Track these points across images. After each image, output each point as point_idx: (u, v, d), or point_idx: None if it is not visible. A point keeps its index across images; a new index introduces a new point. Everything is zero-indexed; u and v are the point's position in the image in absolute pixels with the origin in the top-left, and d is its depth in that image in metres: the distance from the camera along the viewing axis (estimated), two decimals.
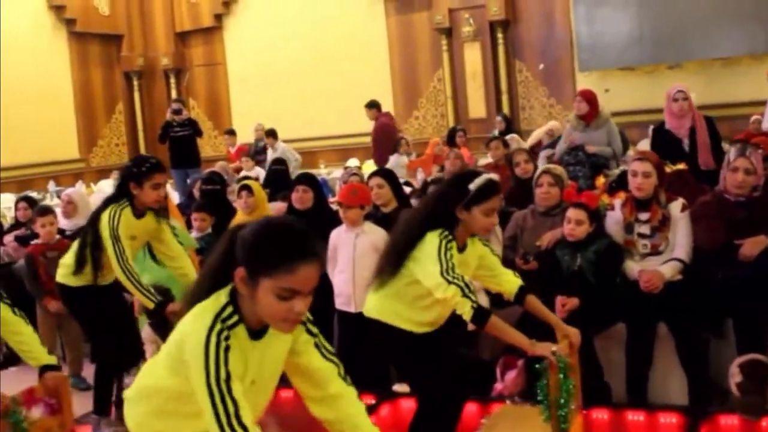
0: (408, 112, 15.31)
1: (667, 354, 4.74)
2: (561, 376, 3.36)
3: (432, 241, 3.48)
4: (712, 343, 4.94)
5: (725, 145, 6.07)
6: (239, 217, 6.30)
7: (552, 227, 5.21)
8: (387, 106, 15.16)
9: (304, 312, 2.27)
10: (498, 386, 4.81)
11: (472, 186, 3.51)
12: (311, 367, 2.49)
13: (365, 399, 5.04)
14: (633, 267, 4.91)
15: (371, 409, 5.00)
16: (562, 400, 3.36)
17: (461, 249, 3.60)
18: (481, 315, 3.42)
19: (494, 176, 3.62)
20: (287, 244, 2.24)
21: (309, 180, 6.16)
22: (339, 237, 5.38)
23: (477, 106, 14.17)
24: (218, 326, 2.25)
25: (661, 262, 4.89)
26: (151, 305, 4.59)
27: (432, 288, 3.46)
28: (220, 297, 2.33)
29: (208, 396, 2.18)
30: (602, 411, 4.60)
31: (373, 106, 12.51)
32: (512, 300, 3.77)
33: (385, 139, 11.98)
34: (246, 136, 14.59)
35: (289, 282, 2.21)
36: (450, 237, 3.50)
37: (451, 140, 11.99)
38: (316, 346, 2.50)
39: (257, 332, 2.35)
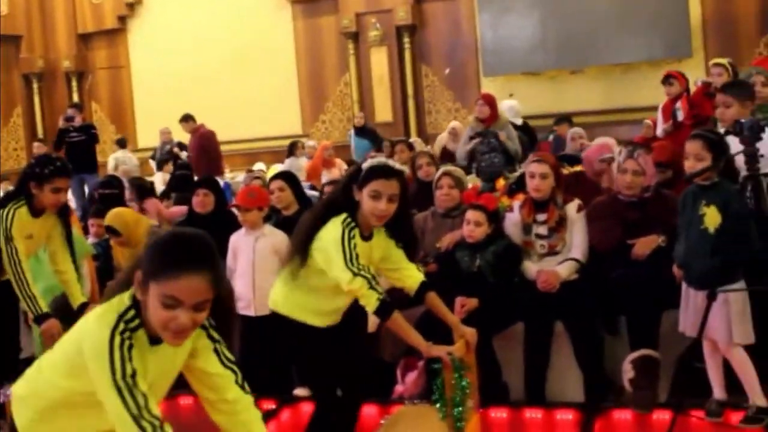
0: (314, 116, 15.29)
1: (563, 352, 4.81)
2: (456, 375, 3.36)
3: (335, 227, 3.42)
4: (608, 340, 5.04)
5: (617, 148, 6.16)
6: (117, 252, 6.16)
7: (452, 229, 5.24)
8: (293, 109, 15.22)
9: (186, 326, 2.24)
10: (398, 388, 4.82)
11: (365, 165, 3.49)
12: (208, 371, 2.46)
13: (266, 403, 5.06)
14: (531, 267, 4.98)
15: (272, 414, 4.97)
16: (458, 399, 3.36)
17: (367, 237, 3.54)
18: (385, 309, 3.39)
19: (394, 163, 3.60)
20: (177, 251, 2.25)
21: (210, 184, 6.08)
22: (239, 241, 5.33)
23: (383, 110, 14.24)
24: (121, 326, 2.24)
25: (558, 262, 4.97)
26: (31, 315, 4.50)
27: (337, 279, 3.40)
28: (123, 299, 2.33)
29: (116, 393, 2.17)
30: (501, 410, 4.65)
31: (188, 119, 12.58)
32: (412, 296, 3.74)
33: (204, 151, 11.96)
34: (152, 140, 14.39)
35: (172, 289, 2.21)
36: (353, 224, 3.44)
37: None
38: (215, 351, 2.46)
39: (157, 338, 2.33)
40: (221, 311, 2.42)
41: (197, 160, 11.86)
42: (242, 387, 2.49)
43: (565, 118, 11.63)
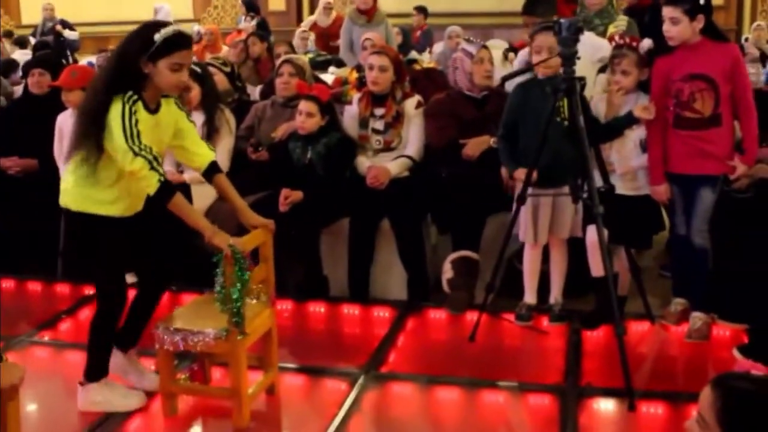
0: (206, 0, 14.76)
1: (389, 250, 4.74)
2: (236, 268, 3.22)
3: (116, 106, 3.18)
4: (438, 240, 5.01)
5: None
6: None
7: (291, 119, 5.07)
8: None
9: None
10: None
11: (158, 36, 3.19)
12: None
13: (87, 289, 4.92)
14: (364, 162, 4.88)
15: (90, 299, 4.83)
16: (236, 293, 3.23)
17: (154, 110, 3.31)
18: (165, 191, 3.20)
19: (184, 29, 3.34)
20: None
21: (45, 63, 5.72)
22: (65, 122, 5.06)
23: None
24: None
25: (392, 158, 4.88)
26: None
27: (120, 161, 3.19)
28: None
29: None
30: (319, 304, 4.60)
31: None
32: (201, 175, 3.55)
33: None
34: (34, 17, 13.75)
35: None
36: (134, 97, 3.21)
37: None
38: None
39: None
40: None
41: None
42: None
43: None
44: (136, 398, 3.56)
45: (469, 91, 4.84)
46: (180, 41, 3.25)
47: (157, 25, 3.27)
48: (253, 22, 11.13)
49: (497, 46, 8.70)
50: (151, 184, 3.19)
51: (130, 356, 3.65)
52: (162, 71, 3.23)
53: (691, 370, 3.94)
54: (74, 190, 3.42)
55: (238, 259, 3.21)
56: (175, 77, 3.26)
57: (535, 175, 3.98)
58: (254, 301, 3.42)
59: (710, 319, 4.09)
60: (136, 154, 3.15)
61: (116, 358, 3.59)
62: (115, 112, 3.18)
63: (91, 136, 3.26)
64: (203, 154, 3.51)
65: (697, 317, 4.08)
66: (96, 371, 3.51)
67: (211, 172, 3.50)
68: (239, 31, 10.68)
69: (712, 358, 3.96)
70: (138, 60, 3.22)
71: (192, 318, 3.44)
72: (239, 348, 3.29)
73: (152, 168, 3.17)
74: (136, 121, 3.18)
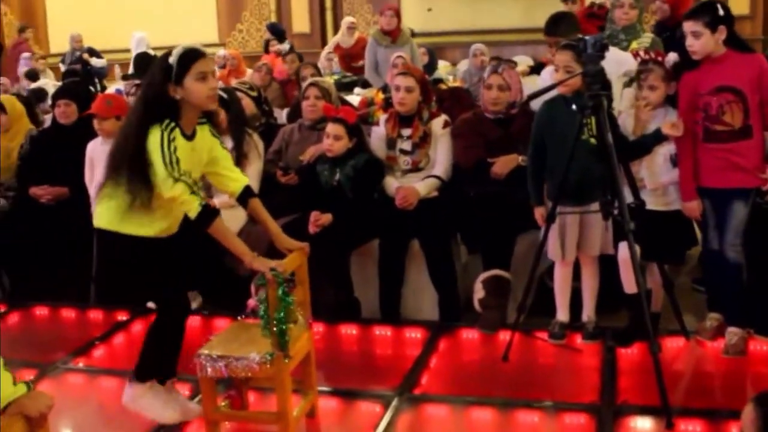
0: (231, 25, 14.88)
1: (419, 271, 4.74)
2: (280, 291, 3.25)
3: (154, 135, 3.24)
4: (468, 259, 5.01)
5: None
6: None
7: (318, 141, 5.09)
8: (210, 18, 14.79)
9: None
10: (251, 302, 4.72)
11: (172, 59, 3.25)
12: None
13: (119, 315, 4.95)
14: (392, 183, 4.89)
15: (123, 325, 4.88)
16: (281, 315, 3.26)
17: (190, 136, 3.36)
18: (207, 215, 3.25)
19: (192, 45, 3.35)
20: None
21: (71, 93, 5.78)
22: (95, 150, 5.14)
23: (301, 22, 13.89)
24: None
25: (420, 179, 4.88)
26: None
27: (159, 186, 3.25)
28: None
29: None
30: (351, 326, 4.60)
31: None
32: (236, 200, 3.58)
33: None
34: (63, 45, 13.91)
35: None
36: (172, 125, 3.26)
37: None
38: None
39: None
40: None
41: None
42: None
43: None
44: (173, 412, 3.56)
45: (487, 113, 4.85)
46: (193, 54, 3.30)
47: (167, 53, 3.32)
48: (287, 45, 11.22)
49: (520, 63, 8.73)
50: (192, 209, 3.24)
51: (169, 388, 3.64)
52: (190, 87, 3.27)
53: (728, 387, 3.89)
54: (112, 213, 3.43)
55: (281, 282, 3.23)
56: (205, 87, 3.29)
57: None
58: (293, 324, 3.43)
59: (746, 333, 4.05)
60: (176, 180, 3.21)
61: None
62: (154, 141, 3.23)
63: (137, 173, 3.28)
64: (238, 179, 3.55)
65: (733, 332, 4.04)
66: (143, 373, 3.54)
67: (245, 196, 3.54)
68: (278, 54, 10.66)
69: (750, 374, 3.92)
70: (166, 89, 3.27)
71: (232, 344, 3.43)
72: (285, 371, 3.30)
73: (193, 192, 3.23)
74: (175, 148, 3.24)
